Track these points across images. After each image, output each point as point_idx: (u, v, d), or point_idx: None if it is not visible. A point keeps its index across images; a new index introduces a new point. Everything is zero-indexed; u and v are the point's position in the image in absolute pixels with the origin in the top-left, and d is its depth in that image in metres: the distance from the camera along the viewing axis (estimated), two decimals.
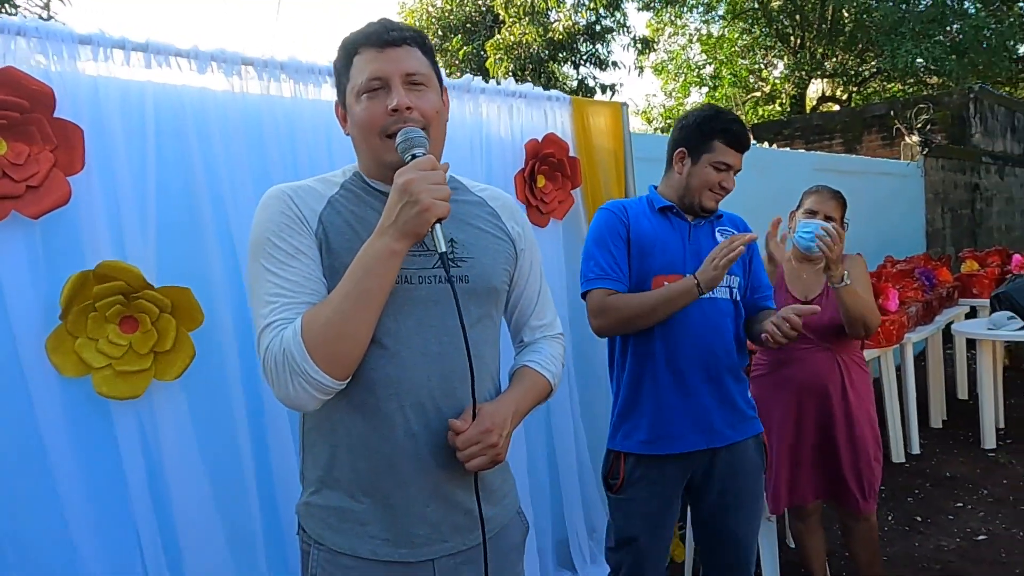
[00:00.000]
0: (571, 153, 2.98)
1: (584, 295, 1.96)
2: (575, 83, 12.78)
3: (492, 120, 2.76)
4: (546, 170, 2.86)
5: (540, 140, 2.85)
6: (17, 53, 1.71)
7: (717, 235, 2.01)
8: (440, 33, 13.14)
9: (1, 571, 1.71)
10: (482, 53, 12.01)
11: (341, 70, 1.25)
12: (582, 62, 12.74)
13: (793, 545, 3.04)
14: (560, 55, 12.22)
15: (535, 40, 11.18)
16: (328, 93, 2.27)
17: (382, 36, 1.20)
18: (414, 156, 1.12)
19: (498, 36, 11.55)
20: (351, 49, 1.22)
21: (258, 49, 2.20)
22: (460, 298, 1.14)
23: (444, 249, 1.09)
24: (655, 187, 2.08)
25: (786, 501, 2.51)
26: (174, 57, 1.95)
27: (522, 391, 1.29)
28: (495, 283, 1.28)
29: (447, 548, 1.20)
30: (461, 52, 12.31)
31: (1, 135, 1.66)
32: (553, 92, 3.04)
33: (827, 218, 2.39)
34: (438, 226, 1.09)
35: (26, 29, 1.72)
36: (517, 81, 2.83)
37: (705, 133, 1.95)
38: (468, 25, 12.96)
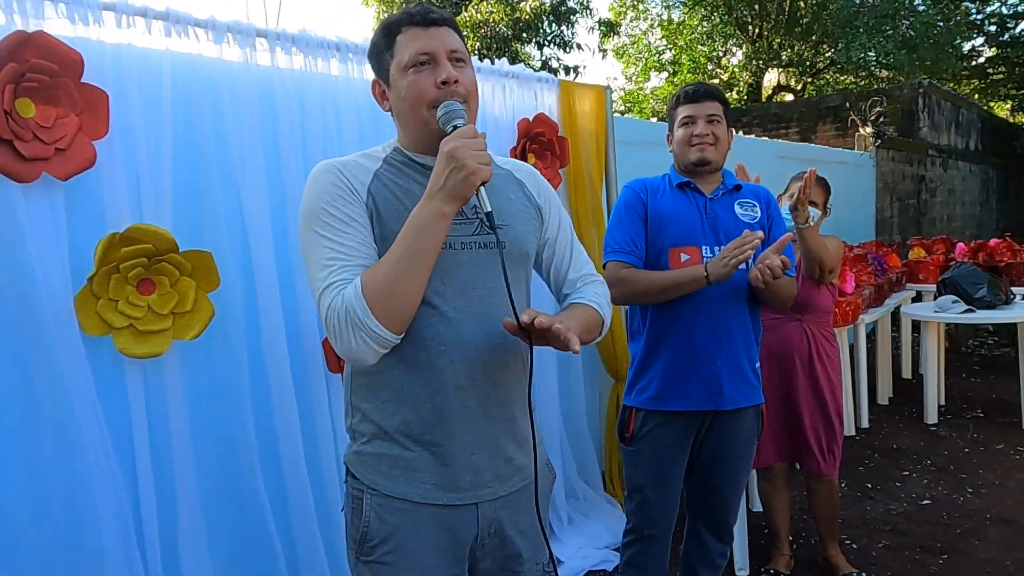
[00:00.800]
0: (559, 133, 3.10)
1: (603, 266, 2.10)
2: (539, 64, 12.85)
3: (487, 98, 2.85)
4: (536, 149, 2.97)
5: (531, 120, 2.96)
6: (46, 17, 1.74)
7: (736, 207, 2.12)
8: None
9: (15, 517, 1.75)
10: None
11: (383, 48, 1.32)
12: (547, 43, 12.82)
13: (757, 508, 3.25)
14: (524, 35, 12.28)
15: (502, 19, 11.19)
16: (336, 68, 2.34)
17: (426, 16, 1.29)
18: (455, 127, 1.22)
19: (464, 14, 11.52)
20: (394, 29, 1.30)
21: (242, 16, 2.24)
22: (496, 261, 1.26)
23: (489, 208, 1.19)
24: (673, 167, 2.22)
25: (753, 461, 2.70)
26: (192, 27, 1.99)
27: (570, 312, 1.40)
28: (527, 248, 1.39)
29: (490, 493, 1.31)
30: None
31: (31, 98, 1.70)
32: (543, 74, 3.14)
33: (811, 203, 2.56)
34: (482, 189, 1.19)
35: None
36: (481, 60, 2.92)
37: (671, 108, 2.18)
38: (433, 2, 12.88)
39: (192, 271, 1.96)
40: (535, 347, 1.26)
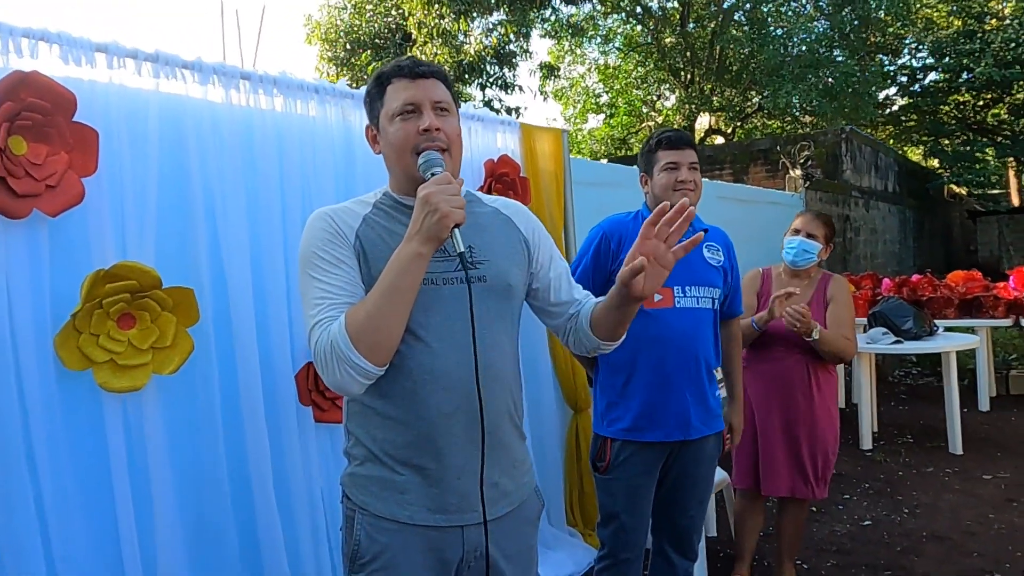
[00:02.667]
0: (521, 174, 3.23)
1: None
2: (481, 104, 13.12)
3: None
4: (500, 188, 3.09)
5: (496, 160, 3.08)
6: (40, 56, 1.77)
7: (704, 251, 2.28)
8: (348, 47, 13.17)
9: None
10: None
11: (375, 97, 1.45)
12: (489, 84, 13.10)
13: (712, 534, 3.38)
14: (467, 76, 12.53)
15: (446, 61, 11.41)
16: (314, 109, 2.42)
17: (414, 69, 1.41)
18: (433, 174, 1.32)
19: (409, 54, 11.70)
20: (384, 80, 1.43)
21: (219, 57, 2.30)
22: (480, 295, 1.37)
23: (463, 249, 1.28)
24: (646, 206, 2.34)
25: (749, 483, 2.85)
26: (180, 69, 2.05)
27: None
28: (511, 280, 1.47)
29: (475, 517, 1.36)
30: (370, 68, 12.37)
31: (22, 135, 1.72)
32: (504, 117, 3.29)
33: (808, 235, 2.78)
34: (456, 231, 1.27)
35: (49, 36, 1.78)
36: None
37: (648, 152, 2.30)
38: (377, 41, 13.05)
39: (173, 307, 1.98)
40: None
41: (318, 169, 2.40)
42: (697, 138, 15.95)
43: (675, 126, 16.20)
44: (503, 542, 1.42)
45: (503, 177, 3.08)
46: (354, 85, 3.21)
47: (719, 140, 15.59)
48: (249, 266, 2.18)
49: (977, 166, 15.80)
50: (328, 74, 13.48)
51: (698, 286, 2.22)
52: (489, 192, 3.03)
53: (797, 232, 2.84)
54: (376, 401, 1.37)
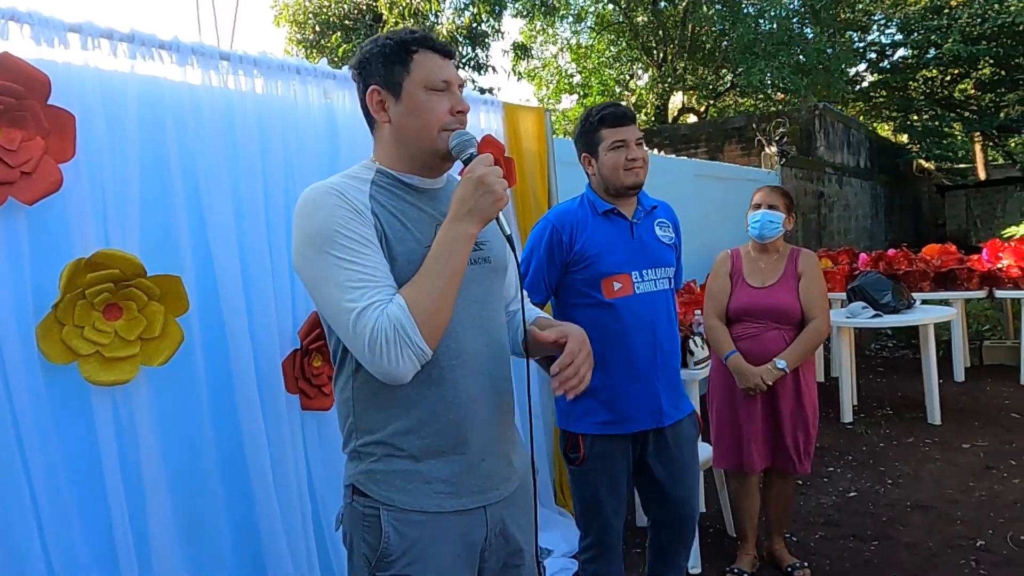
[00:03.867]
0: (506, 154, 3.19)
1: None
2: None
3: None
4: None
5: (479, 141, 3.03)
6: (10, 38, 1.70)
7: (656, 228, 2.23)
8: (318, 29, 12.94)
9: None
10: None
11: (395, 61, 1.33)
12: (462, 65, 12.97)
13: (701, 509, 3.40)
14: None
15: None
16: (296, 90, 2.35)
17: (445, 47, 1.37)
18: (471, 155, 1.29)
19: (379, 35, 11.53)
20: (411, 47, 1.33)
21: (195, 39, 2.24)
22: (487, 275, 1.37)
23: (509, 231, 1.28)
24: (591, 188, 2.25)
25: (730, 463, 2.86)
26: (156, 49, 1.98)
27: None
28: (506, 262, 1.48)
29: (496, 495, 1.38)
30: (340, 50, 12.18)
31: None
32: (487, 96, 3.24)
33: (770, 207, 2.78)
34: (500, 214, 1.27)
35: (19, 15, 1.71)
36: None
37: (590, 130, 2.17)
38: (347, 22, 12.83)
39: (161, 296, 1.93)
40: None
41: (301, 151, 2.34)
42: (671, 117, 15.96)
43: (649, 105, 16.19)
44: (516, 515, 1.44)
45: None
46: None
47: (692, 118, 15.62)
48: (236, 251, 2.13)
49: (945, 141, 16.02)
50: (297, 56, 13.25)
51: (655, 268, 2.17)
52: None
53: (758, 206, 2.85)
54: (400, 391, 1.30)
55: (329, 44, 12.37)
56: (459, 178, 1.55)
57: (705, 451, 3.06)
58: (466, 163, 1.30)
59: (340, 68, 2.49)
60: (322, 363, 2.35)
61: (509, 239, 1.29)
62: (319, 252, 1.24)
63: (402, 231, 1.31)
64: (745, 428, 2.81)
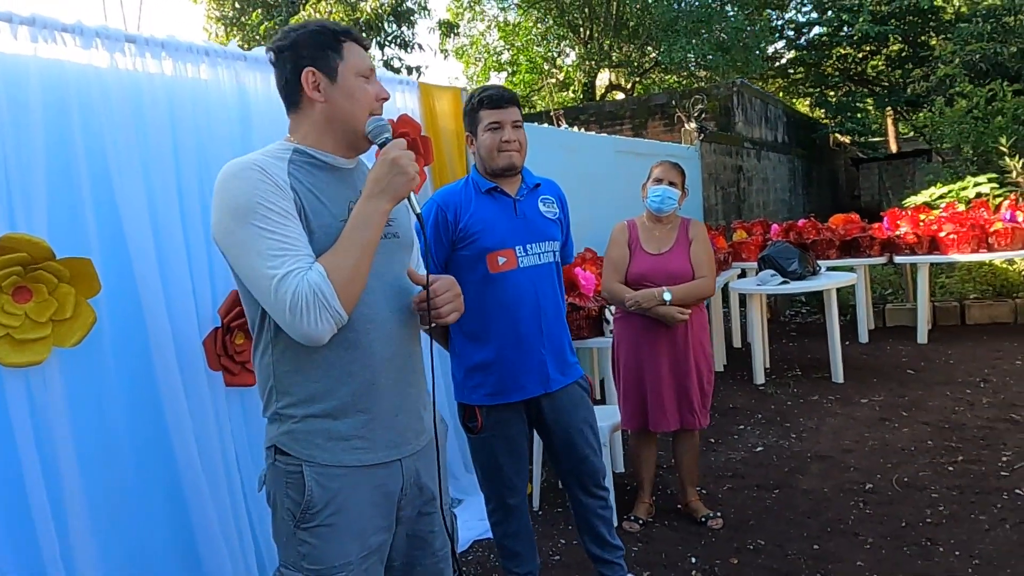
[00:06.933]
0: (423, 133, 3.27)
1: None
2: (380, 64, 12.86)
3: None
4: None
5: (395, 120, 3.10)
6: None
7: (540, 204, 2.33)
8: (237, 6, 12.62)
9: None
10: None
11: (328, 47, 1.43)
12: (387, 43, 12.85)
13: (619, 469, 3.60)
14: (365, 35, 12.24)
15: (341, 19, 11.10)
16: (206, 72, 2.38)
17: (364, 41, 1.52)
18: (386, 139, 1.42)
19: (303, 13, 11.33)
20: (340, 35, 1.45)
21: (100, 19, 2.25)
22: (396, 249, 1.51)
23: (419, 210, 1.42)
24: (476, 168, 2.33)
25: (637, 424, 3.05)
26: (59, 32, 1.98)
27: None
28: (412, 237, 1.62)
29: (409, 449, 1.51)
30: (262, 28, 11.91)
31: None
32: (402, 76, 3.31)
33: (670, 183, 2.96)
34: (411, 194, 1.40)
35: None
36: None
37: (470, 112, 2.26)
38: (268, 1, 12.54)
39: (71, 278, 1.96)
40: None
41: (213, 133, 2.38)
42: (598, 94, 16.19)
43: (576, 82, 16.37)
44: (428, 466, 1.57)
45: (404, 137, 3.09)
46: (245, 46, 3.13)
47: (619, 96, 15.87)
48: (150, 233, 2.16)
49: (859, 115, 16.72)
50: (217, 35, 12.89)
51: (538, 242, 2.27)
52: None
53: (659, 181, 3.02)
54: (319, 353, 1.40)
55: (250, 22, 12.09)
56: (369, 163, 1.66)
57: (614, 414, 3.25)
58: (381, 147, 1.42)
59: (261, 46, 2.52)
60: (244, 340, 2.40)
61: (419, 216, 1.41)
62: (241, 223, 1.32)
63: (319, 206, 1.40)
64: (651, 391, 3.00)
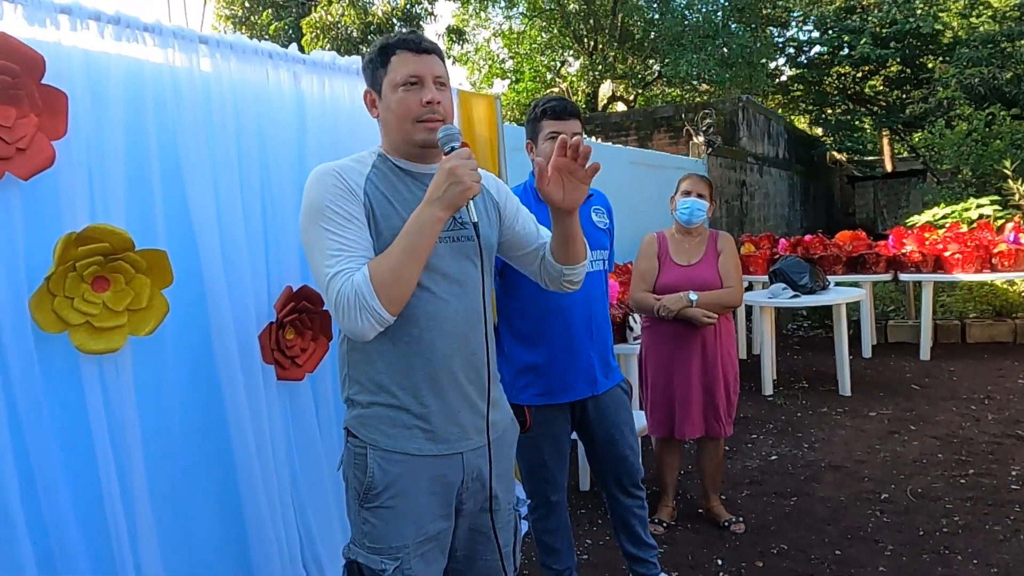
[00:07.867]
0: (463, 140, 3.34)
1: None
2: None
3: None
4: None
5: None
6: (5, 18, 1.75)
7: (592, 214, 2.44)
8: (247, 5, 12.67)
9: None
10: (292, 31, 11.78)
11: (378, 65, 1.56)
12: None
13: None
14: (374, 39, 12.33)
15: (353, 22, 11.19)
16: (269, 74, 2.45)
17: (419, 44, 1.55)
18: (452, 148, 1.47)
19: (315, 15, 11.40)
20: (390, 50, 1.55)
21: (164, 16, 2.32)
22: (468, 252, 1.58)
23: (476, 219, 1.47)
24: (533, 175, 2.38)
25: (664, 432, 3.13)
26: (140, 32, 2.05)
27: None
28: (492, 240, 1.68)
29: (470, 444, 1.58)
30: (272, 28, 11.97)
31: None
32: None
33: (699, 195, 3.04)
34: (470, 202, 1.45)
35: None
36: None
37: (533, 120, 2.34)
38: (278, 1, 12.60)
39: (147, 269, 2.02)
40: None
41: (272, 134, 2.44)
42: (600, 105, 16.31)
43: (579, 92, 16.50)
44: (495, 464, 1.62)
45: None
46: None
47: (621, 107, 16.01)
48: (217, 229, 2.22)
49: (856, 134, 16.97)
50: (224, 32, 12.93)
51: (592, 251, 2.30)
52: None
53: (688, 194, 3.12)
54: (384, 346, 1.50)
55: (259, 21, 12.14)
56: None
57: (640, 420, 3.33)
58: (447, 155, 1.47)
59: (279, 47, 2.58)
60: (294, 335, 2.47)
61: (475, 226, 1.46)
62: (311, 222, 1.46)
63: (389, 209, 1.50)
64: (679, 398, 3.08)
